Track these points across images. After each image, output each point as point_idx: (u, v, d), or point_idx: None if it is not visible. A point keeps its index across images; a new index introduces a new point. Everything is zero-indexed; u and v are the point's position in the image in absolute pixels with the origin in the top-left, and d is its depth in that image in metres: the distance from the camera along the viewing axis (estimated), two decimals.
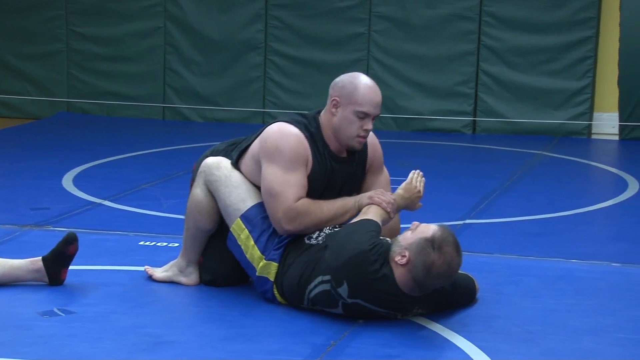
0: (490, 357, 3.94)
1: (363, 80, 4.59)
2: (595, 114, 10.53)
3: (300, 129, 4.57)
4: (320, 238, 4.49)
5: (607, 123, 10.52)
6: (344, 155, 4.67)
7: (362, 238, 4.26)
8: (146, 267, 4.96)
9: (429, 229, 4.20)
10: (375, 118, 4.60)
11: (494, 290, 4.80)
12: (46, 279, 4.71)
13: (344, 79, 4.61)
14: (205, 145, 8.13)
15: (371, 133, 4.69)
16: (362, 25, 10.77)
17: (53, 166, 8.13)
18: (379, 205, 4.51)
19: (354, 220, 4.47)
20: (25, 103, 11.45)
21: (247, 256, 4.58)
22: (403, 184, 4.62)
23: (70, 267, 4.75)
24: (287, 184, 4.47)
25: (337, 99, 4.57)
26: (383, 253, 4.23)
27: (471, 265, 4.86)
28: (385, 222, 4.51)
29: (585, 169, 8.88)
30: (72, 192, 7.12)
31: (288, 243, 4.53)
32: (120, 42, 11.27)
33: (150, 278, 4.89)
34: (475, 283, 4.65)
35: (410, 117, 10.71)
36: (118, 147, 9.22)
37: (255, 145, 4.64)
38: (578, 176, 8.48)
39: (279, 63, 10.96)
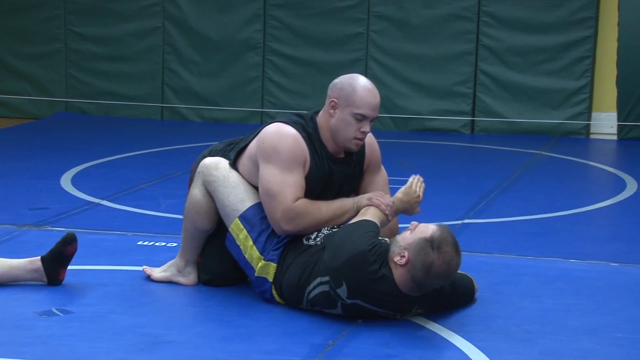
0: (489, 357, 3.94)
1: (362, 82, 4.58)
2: (594, 114, 10.54)
3: (297, 129, 4.56)
4: (318, 239, 4.48)
5: (605, 123, 10.52)
6: (342, 155, 4.67)
7: (361, 238, 4.25)
8: (144, 267, 4.96)
9: (428, 229, 4.20)
10: (373, 120, 4.60)
11: (493, 290, 4.80)
12: (45, 279, 4.71)
13: (342, 80, 4.60)
14: (203, 145, 8.13)
15: (369, 133, 4.69)
16: (360, 25, 10.77)
17: (51, 166, 8.13)
18: (377, 207, 4.50)
19: (352, 221, 4.47)
20: (23, 103, 11.45)
21: (246, 256, 4.58)
22: (403, 188, 4.62)
23: (69, 267, 4.74)
24: (285, 185, 4.47)
25: (336, 100, 4.57)
26: (382, 253, 4.23)
27: (470, 265, 4.86)
28: (383, 224, 4.50)
29: (584, 168, 8.88)
30: (70, 192, 7.12)
31: (287, 243, 4.53)
32: (119, 42, 11.27)
33: (148, 278, 4.88)
34: (474, 283, 4.65)
35: (409, 117, 10.71)
36: (116, 147, 9.22)
37: (253, 145, 4.64)
38: (576, 176, 8.49)
39: (278, 63, 10.97)
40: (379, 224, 4.44)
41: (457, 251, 4.19)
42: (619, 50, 10.25)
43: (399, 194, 4.61)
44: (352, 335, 4.16)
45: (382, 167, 4.87)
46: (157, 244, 5.62)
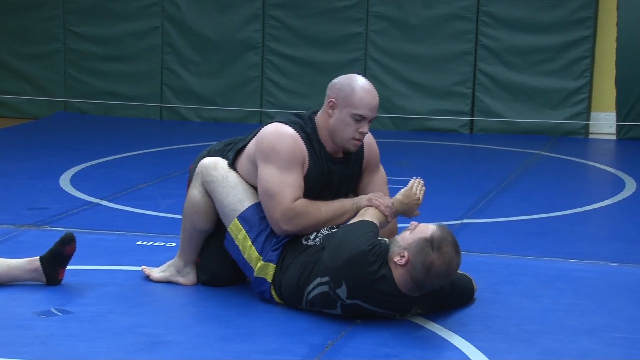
0: (488, 357, 3.94)
1: (360, 82, 4.58)
2: (593, 114, 10.54)
3: (296, 129, 4.56)
4: (317, 239, 4.48)
5: (604, 123, 10.52)
6: (340, 155, 4.67)
7: (361, 239, 4.25)
8: (143, 267, 4.95)
9: (428, 229, 4.20)
10: (372, 121, 4.60)
11: (492, 290, 4.80)
12: (44, 279, 4.71)
13: (341, 80, 4.60)
14: (202, 145, 8.14)
15: (368, 133, 4.68)
16: (359, 25, 10.77)
17: (50, 166, 8.13)
18: (377, 207, 4.50)
19: (352, 221, 4.47)
20: (22, 103, 11.44)
21: (245, 257, 4.58)
22: (403, 190, 4.62)
23: (68, 267, 4.74)
24: (284, 184, 4.47)
25: (334, 100, 4.57)
26: (382, 254, 4.23)
27: (469, 265, 4.86)
28: (382, 225, 4.50)
29: (583, 168, 8.88)
30: (69, 192, 7.12)
31: (286, 244, 4.53)
32: (118, 42, 11.27)
33: (147, 278, 4.88)
34: (473, 283, 4.65)
35: (408, 117, 10.71)
36: (115, 146, 9.21)
37: (251, 146, 4.64)
38: (575, 176, 8.49)
39: (277, 63, 10.97)
40: (378, 224, 4.44)
41: (457, 251, 4.19)
42: (618, 50, 10.25)
43: (399, 195, 4.61)
44: (352, 335, 4.16)
45: (381, 167, 4.86)
46: (156, 244, 5.62)
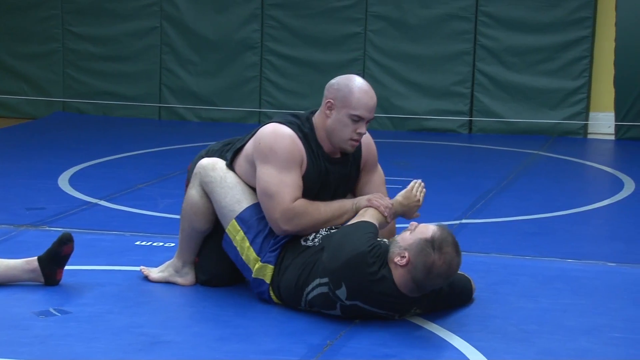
0: (486, 357, 3.94)
1: (358, 83, 4.57)
2: (591, 114, 10.54)
3: (293, 129, 4.56)
4: (316, 240, 4.48)
5: (603, 123, 10.52)
6: (338, 156, 4.67)
7: (360, 240, 4.25)
8: (142, 267, 4.95)
9: (428, 230, 4.19)
10: (369, 121, 4.60)
11: (491, 290, 4.81)
12: (42, 279, 4.71)
13: (339, 81, 4.60)
14: (201, 145, 8.13)
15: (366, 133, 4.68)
16: (358, 25, 10.77)
17: (49, 166, 8.12)
18: (376, 208, 4.50)
19: (351, 222, 4.46)
20: (21, 103, 11.44)
21: (243, 257, 4.57)
22: (403, 192, 4.61)
23: (66, 267, 4.74)
24: (283, 184, 4.47)
25: (332, 101, 4.56)
26: (381, 254, 4.22)
27: (467, 265, 4.85)
28: (382, 226, 4.50)
29: (581, 168, 8.88)
30: (68, 192, 7.11)
31: (284, 245, 4.53)
32: (116, 42, 11.27)
33: (146, 278, 4.88)
34: (472, 283, 4.65)
35: (407, 117, 10.71)
36: (114, 147, 9.21)
37: (249, 146, 4.64)
38: (574, 176, 8.49)
39: (275, 63, 10.96)
40: (377, 225, 4.43)
41: (458, 251, 4.19)
42: (617, 50, 10.25)
43: (399, 197, 4.60)
44: (350, 335, 4.16)
45: (379, 167, 4.86)
46: (154, 244, 5.62)
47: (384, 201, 4.52)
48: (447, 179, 7.94)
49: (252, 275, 4.54)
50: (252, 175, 4.60)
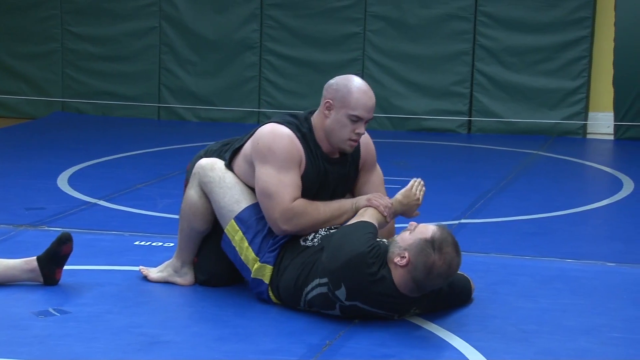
0: (485, 357, 3.94)
1: (357, 83, 4.57)
2: (591, 114, 10.54)
3: (292, 129, 4.56)
4: (316, 240, 4.48)
5: (602, 123, 10.52)
6: (336, 156, 4.66)
7: (360, 240, 4.24)
8: (141, 267, 4.95)
9: (428, 230, 4.19)
10: (368, 122, 4.59)
11: (490, 289, 4.80)
12: (41, 279, 4.70)
13: (338, 81, 4.59)
14: (200, 145, 8.13)
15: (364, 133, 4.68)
16: (357, 25, 10.77)
17: (48, 166, 8.12)
18: (376, 208, 4.50)
19: (350, 222, 4.46)
20: (20, 103, 11.44)
21: (242, 258, 4.57)
22: (403, 190, 4.60)
23: (65, 267, 4.74)
24: (282, 184, 4.47)
25: (331, 101, 4.56)
26: (381, 255, 4.22)
27: (467, 264, 4.85)
28: (381, 225, 4.49)
29: (581, 168, 8.88)
30: (67, 192, 7.11)
31: (283, 245, 4.52)
32: (116, 42, 11.26)
33: (145, 278, 4.88)
34: (471, 283, 4.65)
35: (406, 117, 10.71)
36: (113, 147, 9.21)
37: (248, 146, 4.63)
38: (573, 176, 8.49)
39: (274, 63, 10.96)
40: (377, 225, 4.43)
41: (458, 251, 4.19)
42: (616, 50, 10.25)
43: (398, 196, 4.60)
44: (349, 335, 4.16)
45: (378, 166, 4.86)
46: (154, 244, 5.62)
47: (384, 201, 4.52)
48: (447, 179, 7.94)
49: (251, 276, 4.54)
50: (250, 176, 4.60)
